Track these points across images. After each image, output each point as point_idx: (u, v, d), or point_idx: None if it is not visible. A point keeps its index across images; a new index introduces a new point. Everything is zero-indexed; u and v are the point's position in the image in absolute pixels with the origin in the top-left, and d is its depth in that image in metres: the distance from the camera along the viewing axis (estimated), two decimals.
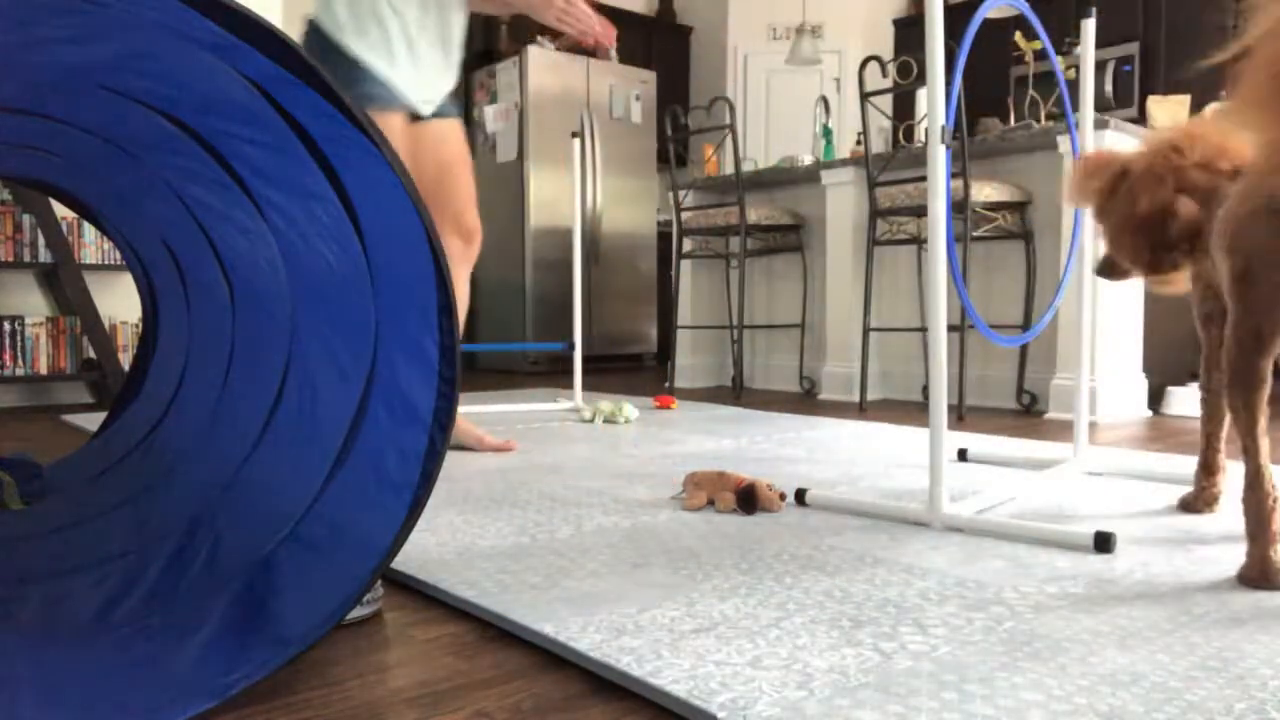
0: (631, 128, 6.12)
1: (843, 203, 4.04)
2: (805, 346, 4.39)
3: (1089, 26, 2.14)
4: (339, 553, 1.09)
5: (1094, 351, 3.26)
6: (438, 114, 2.35)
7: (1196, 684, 0.94)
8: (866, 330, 3.69)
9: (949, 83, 1.68)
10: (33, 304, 4.08)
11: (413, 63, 2.23)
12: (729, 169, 5.17)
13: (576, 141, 3.70)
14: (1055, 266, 3.51)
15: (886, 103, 6.02)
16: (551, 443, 2.68)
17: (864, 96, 3.63)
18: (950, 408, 3.65)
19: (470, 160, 2.45)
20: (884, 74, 3.86)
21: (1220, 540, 1.53)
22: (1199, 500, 1.75)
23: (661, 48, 7.04)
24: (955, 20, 6.03)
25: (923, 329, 3.73)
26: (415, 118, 2.29)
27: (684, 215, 4.41)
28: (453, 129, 2.41)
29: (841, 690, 0.93)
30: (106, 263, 4.06)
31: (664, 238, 6.23)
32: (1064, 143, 3.31)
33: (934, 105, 1.65)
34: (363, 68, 2.16)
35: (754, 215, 4.13)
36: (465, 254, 2.41)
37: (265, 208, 1.25)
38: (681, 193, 4.47)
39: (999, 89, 6.03)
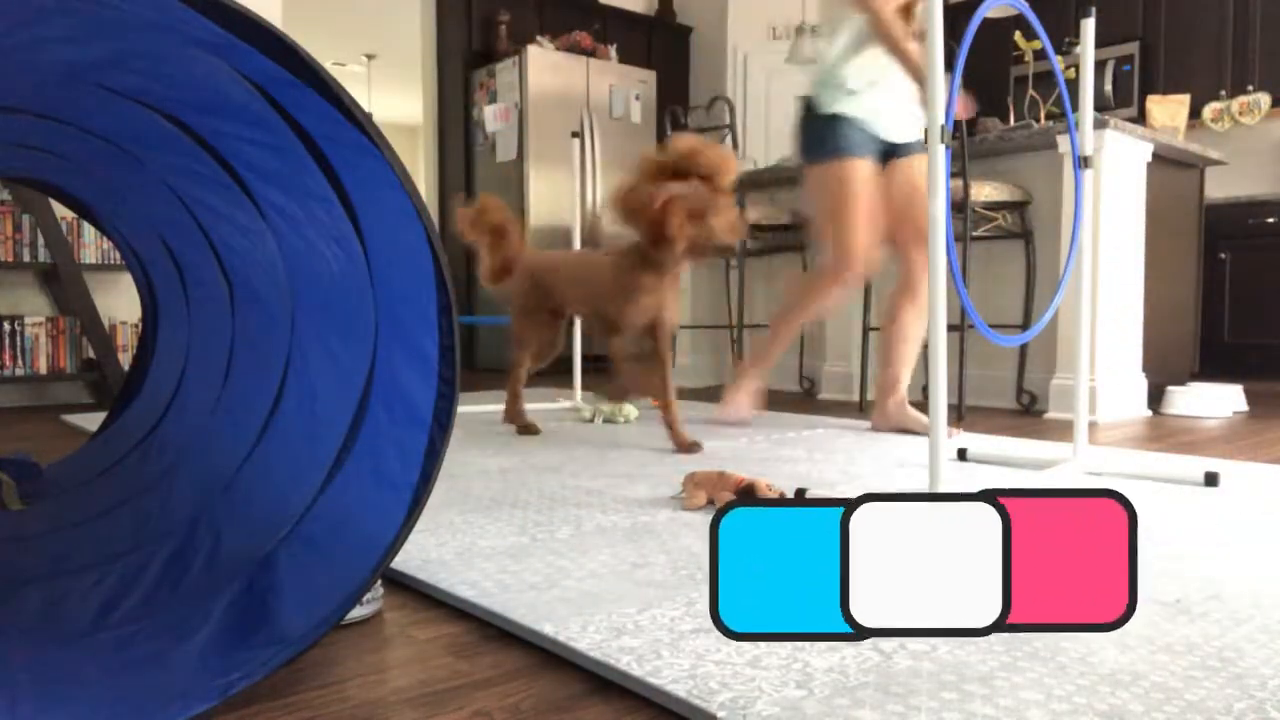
0: (631, 127, 6.13)
1: None
2: (805, 346, 4.39)
3: (1089, 26, 2.14)
4: (339, 552, 1.09)
5: (1094, 351, 3.26)
6: (911, 151, 2.83)
7: (1196, 684, 0.94)
8: (866, 330, 3.69)
9: (949, 83, 1.69)
10: (33, 304, 4.08)
11: (878, 98, 2.79)
12: None
13: (576, 141, 3.70)
14: (1055, 266, 3.51)
15: None
16: (551, 443, 2.68)
17: None
18: (950, 408, 3.65)
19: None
20: None
21: (1217, 542, 1.54)
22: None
23: (661, 47, 7.04)
24: (955, 20, 6.03)
25: None
26: (889, 157, 2.85)
27: None
28: (921, 160, 2.53)
29: (841, 690, 0.93)
30: (106, 263, 4.06)
31: None
32: (1064, 142, 3.31)
33: (934, 105, 1.65)
34: (845, 119, 2.79)
35: (754, 215, 4.13)
36: (920, 263, 2.82)
37: (265, 208, 1.25)
38: None
39: (999, 89, 6.02)
